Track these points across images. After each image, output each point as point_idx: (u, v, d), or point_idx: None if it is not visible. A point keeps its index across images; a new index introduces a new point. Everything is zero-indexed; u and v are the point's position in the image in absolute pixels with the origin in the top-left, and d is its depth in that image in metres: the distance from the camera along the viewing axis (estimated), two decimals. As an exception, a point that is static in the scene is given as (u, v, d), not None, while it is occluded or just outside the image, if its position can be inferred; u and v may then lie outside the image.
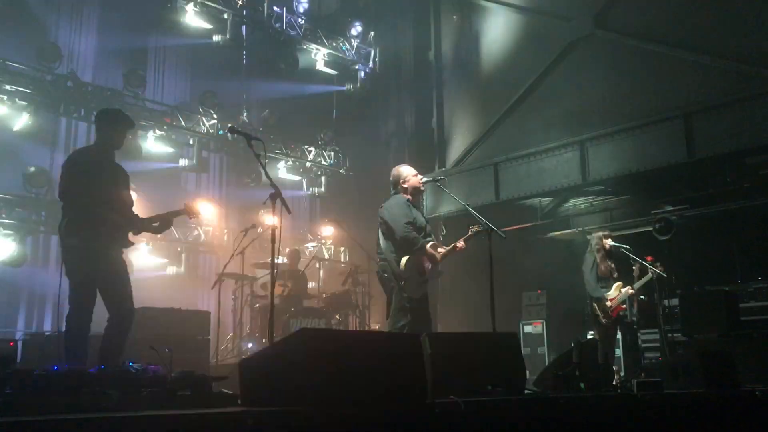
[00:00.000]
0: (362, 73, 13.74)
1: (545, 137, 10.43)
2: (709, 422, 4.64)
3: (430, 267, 5.77)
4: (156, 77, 11.72)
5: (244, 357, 6.28)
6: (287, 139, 13.16)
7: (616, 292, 7.98)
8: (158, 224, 5.51)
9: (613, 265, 8.19)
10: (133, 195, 5.63)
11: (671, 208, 10.13)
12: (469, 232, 5.97)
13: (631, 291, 7.94)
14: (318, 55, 12.92)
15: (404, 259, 5.63)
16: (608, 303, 7.91)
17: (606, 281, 8.08)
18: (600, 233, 8.37)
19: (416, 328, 5.51)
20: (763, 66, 8.43)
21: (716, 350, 6.91)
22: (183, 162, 11.41)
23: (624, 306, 7.97)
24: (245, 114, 12.50)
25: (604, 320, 7.89)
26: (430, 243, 5.86)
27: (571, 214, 11.43)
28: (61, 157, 9.20)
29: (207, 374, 4.10)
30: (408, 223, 5.69)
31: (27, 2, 9.99)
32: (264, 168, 4.89)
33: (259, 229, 9.59)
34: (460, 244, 5.96)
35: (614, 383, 5.85)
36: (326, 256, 13.42)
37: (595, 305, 7.95)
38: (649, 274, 7.96)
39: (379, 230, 5.89)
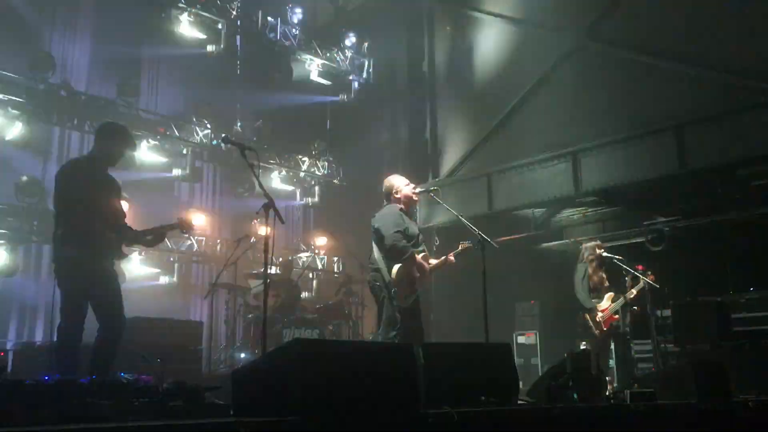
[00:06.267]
0: (356, 84, 13.78)
1: (538, 148, 10.47)
2: (702, 433, 4.65)
3: (419, 277, 5.76)
4: (150, 87, 11.72)
5: (236, 367, 6.26)
6: (281, 149, 13.18)
7: (608, 302, 8.00)
8: (151, 237, 5.50)
9: (605, 276, 8.22)
10: (125, 205, 5.61)
11: (663, 220, 10.17)
12: (459, 248, 5.99)
13: (630, 297, 7.95)
14: (312, 66, 12.94)
15: (395, 268, 5.64)
16: (600, 313, 7.93)
17: (598, 292, 8.10)
18: (592, 243, 8.40)
19: (408, 338, 5.51)
20: (755, 78, 8.49)
21: (709, 361, 6.91)
22: (176, 172, 11.39)
23: (617, 316, 7.99)
24: (239, 124, 12.51)
25: (596, 331, 7.90)
26: (421, 254, 5.87)
27: (564, 225, 11.47)
28: (53, 167, 9.17)
29: (199, 384, 4.08)
30: (398, 232, 5.69)
31: (20, 11, 9.98)
32: (257, 178, 4.89)
33: (253, 239, 9.58)
34: (451, 258, 5.99)
35: (607, 394, 5.85)
36: (319, 267, 13.41)
37: (587, 316, 7.97)
38: (641, 283, 7.98)
39: (372, 240, 5.90)
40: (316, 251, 13.43)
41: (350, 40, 13.64)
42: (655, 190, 9.60)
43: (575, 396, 4.93)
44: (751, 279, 8.97)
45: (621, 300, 7.99)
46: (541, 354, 10.45)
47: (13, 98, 9.41)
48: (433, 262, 6.07)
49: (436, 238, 11.44)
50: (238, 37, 12.07)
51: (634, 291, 7.98)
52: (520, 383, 4.85)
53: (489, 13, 11.94)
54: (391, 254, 5.68)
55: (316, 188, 13.80)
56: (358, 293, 10.29)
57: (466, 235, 5.99)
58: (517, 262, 10.33)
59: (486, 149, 11.61)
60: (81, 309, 5.03)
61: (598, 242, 8.45)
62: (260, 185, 4.90)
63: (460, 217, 6.11)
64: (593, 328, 7.91)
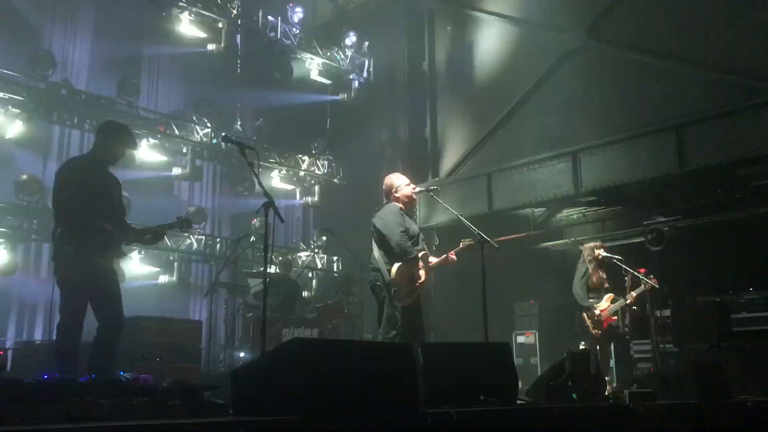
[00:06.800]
0: (356, 83, 13.78)
1: (538, 148, 10.47)
2: (701, 433, 4.65)
3: (420, 276, 5.77)
4: (150, 86, 11.70)
5: (236, 366, 6.26)
6: (281, 148, 13.17)
7: (607, 303, 7.98)
8: (151, 236, 5.50)
9: (605, 276, 8.21)
10: (126, 204, 5.62)
11: (663, 219, 10.16)
12: (461, 245, 6.01)
13: (630, 299, 7.93)
14: (312, 65, 12.95)
15: (395, 266, 5.64)
16: (598, 314, 7.92)
17: (597, 292, 8.09)
18: (592, 244, 8.39)
19: (409, 338, 5.51)
20: (755, 78, 8.49)
21: (708, 361, 6.92)
22: (176, 170, 11.39)
23: (615, 317, 7.98)
24: (239, 123, 12.50)
25: (593, 331, 7.90)
26: (422, 253, 5.87)
27: (563, 224, 11.46)
28: (53, 165, 9.16)
29: (198, 384, 4.08)
30: (403, 232, 5.71)
31: (21, 10, 9.98)
32: (257, 177, 4.89)
33: (252, 238, 9.58)
34: (452, 256, 5.99)
35: (606, 394, 5.85)
36: (319, 266, 13.41)
37: (585, 316, 7.97)
38: (642, 285, 7.97)
39: (372, 239, 5.90)
40: (316, 250, 13.44)
41: (350, 39, 13.65)
42: (654, 189, 9.61)
43: (574, 396, 4.93)
44: (751, 279, 8.97)
45: (621, 302, 7.97)
46: (541, 354, 10.45)
47: (14, 96, 9.41)
48: (434, 260, 6.07)
49: (436, 238, 11.44)
50: (238, 36, 12.06)
51: (633, 294, 7.96)
52: (520, 383, 4.85)
53: (489, 13, 11.94)
54: (396, 254, 5.68)
55: (316, 187, 13.80)
56: (357, 292, 10.29)
57: (466, 234, 6.00)
58: (516, 261, 10.33)
59: (486, 149, 11.61)
60: (80, 307, 5.03)
61: (598, 243, 8.44)
62: (260, 184, 4.90)
63: (460, 216, 6.11)
64: (590, 327, 7.91)
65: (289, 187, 13.44)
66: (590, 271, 8.15)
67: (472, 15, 12.29)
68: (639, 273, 8.04)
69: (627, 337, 8.26)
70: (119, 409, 3.31)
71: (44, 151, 10.29)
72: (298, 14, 12.86)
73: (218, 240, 12.18)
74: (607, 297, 8.03)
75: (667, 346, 8.55)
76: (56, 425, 2.75)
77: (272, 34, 12.37)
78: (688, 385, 5.43)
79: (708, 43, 8.98)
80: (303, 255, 13.27)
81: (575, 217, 11.28)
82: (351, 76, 13.71)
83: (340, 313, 10.05)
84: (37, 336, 9.62)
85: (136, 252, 10.39)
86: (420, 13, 13.26)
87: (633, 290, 7.98)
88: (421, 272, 5.76)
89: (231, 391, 3.55)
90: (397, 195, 6.02)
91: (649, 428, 4.47)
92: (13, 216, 9.59)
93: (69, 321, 4.96)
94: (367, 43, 13.89)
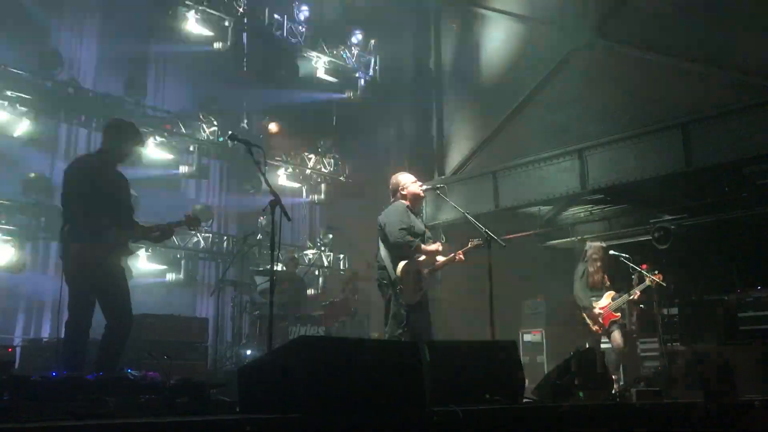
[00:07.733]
0: (362, 81, 13.80)
1: (544, 145, 10.43)
2: (708, 432, 4.64)
3: (426, 273, 5.76)
4: (157, 84, 11.73)
5: (242, 364, 6.27)
6: (287, 146, 13.19)
7: (607, 300, 7.95)
8: (159, 234, 5.52)
9: (606, 275, 8.17)
10: (134, 202, 5.64)
11: (670, 218, 10.13)
12: (469, 245, 5.99)
13: (636, 296, 7.90)
14: (318, 63, 12.97)
15: (401, 264, 5.64)
16: (598, 311, 7.89)
17: (598, 290, 8.06)
18: (597, 243, 8.36)
19: (415, 336, 5.51)
20: (762, 76, 8.45)
21: (715, 360, 6.90)
22: (183, 169, 11.43)
23: (618, 314, 7.95)
24: (245, 121, 12.52)
25: (593, 328, 7.88)
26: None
27: (570, 222, 11.43)
28: (61, 164, 9.20)
29: (205, 381, 4.09)
30: (403, 229, 5.70)
31: (28, 8, 10.01)
32: (264, 175, 4.90)
33: (259, 236, 9.61)
34: (459, 255, 5.97)
35: (613, 392, 5.84)
36: (325, 264, 13.43)
37: (584, 315, 7.94)
38: (647, 281, 7.94)
39: (378, 237, 5.90)
40: (322, 248, 13.46)
41: (357, 37, 13.66)
42: (661, 187, 9.56)
43: (581, 394, 4.93)
44: (758, 278, 8.93)
45: (624, 297, 7.95)
46: (547, 352, 10.42)
47: (21, 95, 9.45)
48: (441, 258, 6.07)
49: (443, 236, 11.41)
50: (244, 34, 12.08)
51: (637, 291, 7.93)
52: (526, 381, 4.85)
53: (496, 10, 11.92)
54: (398, 251, 5.68)
55: (322, 185, 13.83)
56: (363, 290, 10.30)
57: (473, 232, 5.99)
58: (523, 259, 10.31)
59: (492, 146, 11.59)
60: (88, 305, 5.05)
61: (603, 243, 8.41)
62: (266, 182, 4.91)
63: (467, 214, 6.10)
64: (590, 325, 7.89)
65: (296, 185, 13.47)
66: (592, 270, 8.12)
67: (479, 13, 12.27)
68: (642, 269, 8.01)
69: (634, 335, 8.24)
70: (126, 407, 3.32)
71: (51, 150, 10.33)
72: (304, 12, 12.88)
73: (225, 238, 12.21)
74: (608, 294, 8.00)
75: (674, 344, 8.53)
76: (64, 422, 2.76)
77: (278, 33, 12.39)
78: (694, 383, 5.43)
79: (715, 41, 8.93)
80: (309, 253, 13.29)
81: (582, 215, 11.25)
82: (357, 75, 13.71)
83: (347, 311, 10.07)
84: (45, 333, 9.66)
85: (143, 250, 10.42)
86: (426, 11, 13.25)
87: (637, 288, 7.96)
88: (425, 270, 5.75)
89: (238, 388, 3.56)
90: (403, 193, 6.01)
91: (656, 427, 4.46)
92: (21, 214, 9.63)
93: (77, 319, 4.97)
94: (373, 41, 13.89)
